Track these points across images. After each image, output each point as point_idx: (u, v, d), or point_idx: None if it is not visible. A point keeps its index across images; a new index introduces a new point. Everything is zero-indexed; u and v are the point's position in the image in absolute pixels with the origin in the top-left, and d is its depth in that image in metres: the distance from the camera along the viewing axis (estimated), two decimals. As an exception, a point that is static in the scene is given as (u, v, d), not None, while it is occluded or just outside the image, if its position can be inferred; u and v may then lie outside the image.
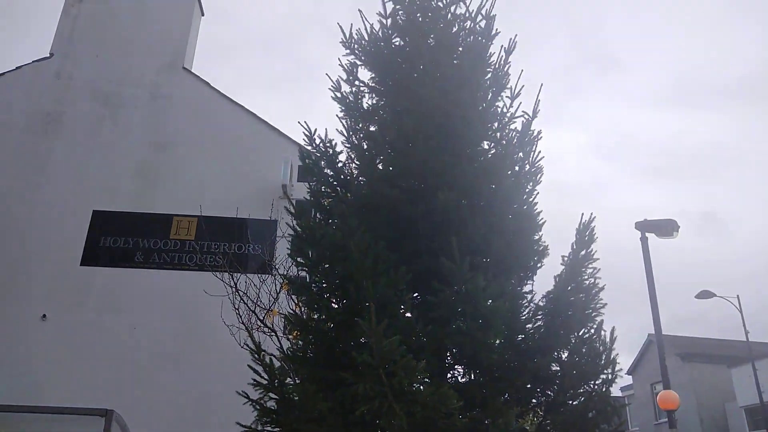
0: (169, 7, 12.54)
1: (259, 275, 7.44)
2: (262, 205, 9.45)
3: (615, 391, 4.73)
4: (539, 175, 5.50)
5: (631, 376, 41.00)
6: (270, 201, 9.01)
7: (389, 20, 6.11)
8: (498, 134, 5.72)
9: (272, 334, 6.47)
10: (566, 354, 4.77)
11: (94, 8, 12.32)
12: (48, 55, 11.77)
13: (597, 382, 4.54)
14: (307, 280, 5.30)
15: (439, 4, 6.24)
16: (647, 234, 12.71)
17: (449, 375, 4.85)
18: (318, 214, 5.63)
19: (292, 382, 4.65)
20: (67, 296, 9.70)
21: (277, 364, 4.76)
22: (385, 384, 3.87)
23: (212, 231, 9.84)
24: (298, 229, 5.07)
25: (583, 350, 4.59)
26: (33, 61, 11.66)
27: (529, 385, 4.72)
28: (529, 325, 4.84)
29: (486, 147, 5.73)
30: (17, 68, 11.60)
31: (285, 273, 6.17)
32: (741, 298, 27.08)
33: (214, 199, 10.07)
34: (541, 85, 5.64)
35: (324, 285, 5.04)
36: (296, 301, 5.64)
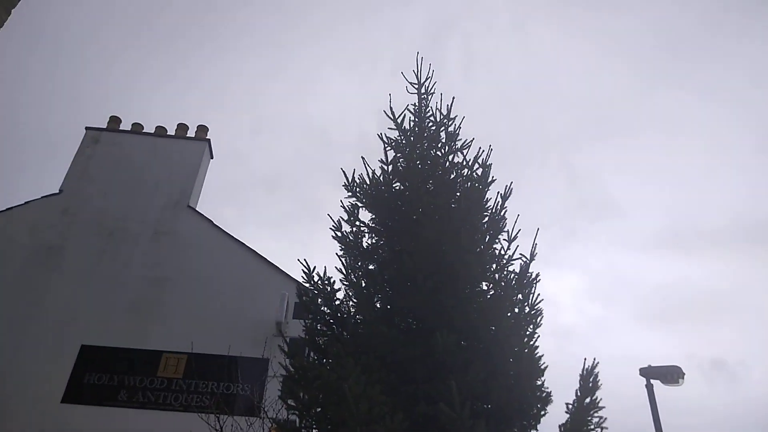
0: (181, 150, 13.18)
1: (247, 418, 7.09)
2: (255, 342, 9.26)
3: None
4: (539, 318, 5.45)
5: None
6: (263, 339, 8.83)
7: (390, 167, 6.42)
8: (496, 275, 5.76)
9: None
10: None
11: (108, 150, 12.95)
12: (57, 191, 12.15)
13: None
14: (297, 424, 5.05)
15: (438, 153, 6.60)
16: (652, 381, 12.34)
17: None
18: (312, 353, 5.50)
19: None
20: (45, 434, 9.15)
21: None
22: None
23: (201, 369, 9.54)
24: (291, 369, 4.93)
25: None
26: (42, 197, 12.00)
27: None
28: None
29: (485, 288, 5.75)
30: (26, 203, 11.92)
31: (274, 416, 5.89)
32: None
33: (207, 336, 9.87)
34: (538, 229, 5.82)
35: (315, 430, 4.79)
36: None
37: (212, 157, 14.04)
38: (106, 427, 9.36)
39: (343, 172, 6.39)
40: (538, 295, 5.56)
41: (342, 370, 4.43)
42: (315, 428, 4.76)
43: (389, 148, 6.58)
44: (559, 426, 4.65)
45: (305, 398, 4.78)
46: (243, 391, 9.31)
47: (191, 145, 13.37)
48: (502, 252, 5.88)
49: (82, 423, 9.36)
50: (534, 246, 5.76)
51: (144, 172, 12.68)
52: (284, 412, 5.47)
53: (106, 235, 11.68)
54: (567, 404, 4.71)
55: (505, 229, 5.95)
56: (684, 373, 12.07)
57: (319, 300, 5.78)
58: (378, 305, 5.68)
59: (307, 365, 5.04)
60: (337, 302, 5.84)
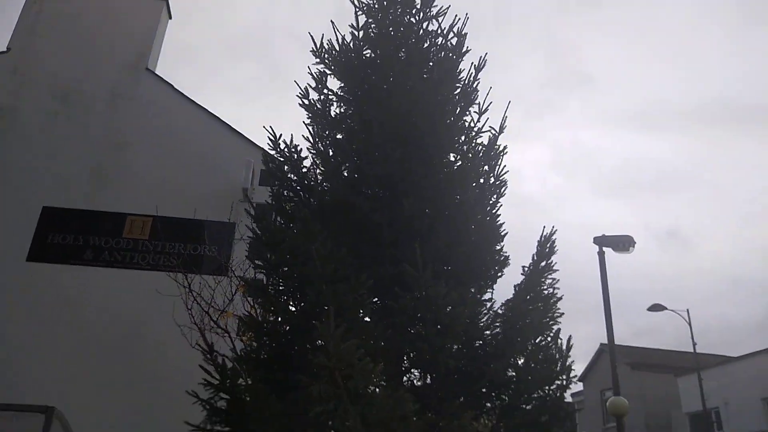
0: (136, 7, 12.26)
1: (215, 277, 7.32)
2: (220, 207, 9.30)
3: (566, 397, 4.85)
4: (503, 188, 5.62)
5: (582, 383, 42.02)
6: (229, 204, 8.87)
7: (361, 32, 6.16)
8: (464, 147, 5.83)
9: (225, 335, 6.38)
10: (522, 360, 4.87)
11: (57, 6, 11.95)
12: (5, 49, 11.36)
13: (551, 388, 4.64)
14: (265, 282, 5.26)
15: (412, 20, 6.32)
16: (604, 248, 13.13)
17: (406, 378, 4.89)
18: (279, 218, 5.60)
19: (244, 383, 4.60)
20: (12, 292, 9.34)
21: (229, 364, 4.71)
22: (341, 386, 3.88)
23: (168, 231, 9.61)
24: (258, 232, 5.03)
25: (540, 357, 4.69)
26: (-12, 55, 11.23)
27: (484, 390, 4.80)
28: (487, 332, 4.93)
29: (452, 159, 5.82)
30: (-30, 61, 11.14)
31: (242, 275, 6.11)
32: (693, 312, 27.95)
33: (172, 200, 9.85)
34: (509, 102, 5.83)
35: (281, 288, 5.02)
36: (252, 304, 5.59)
37: (171, 17, 13.16)
38: (72, 284, 9.57)
39: (311, 37, 6.12)
40: (504, 166, 5.70)
41: (309, 234, 4.56)
42: (282, 286, 4.98)
43: (361, 12, 6.26)
44: (515, 286, 4.98)
45: (272, 259, 4.95)
46: (210, 253, 9.52)
47: (148, 3, 12.44)
48: (472, 124, 5.90)
49: (49, 281, 9.53)
50: (504, 119, 5.79)
51: (97, 31, 11.82)
52: (252, 272, 5.67)
53: (61, 97, 11.12)
54: (523, 267, 5.02)
55: (477, 101, 5.92)
56: (635, 242, 12.83)
57: (286, 167, 5.78)
58: (345, 174, 5.73)
59: (274, 229, 5.16)
60: (304, 170, 5.85)
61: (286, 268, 4.99)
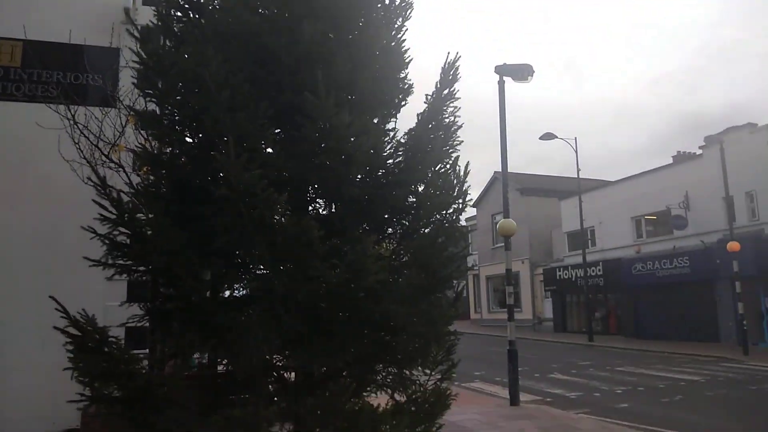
0: None
1: (101, 108, 6.77)
2: (99, 31, 8.32)
3: (461, 220, 5.16)
4: (409, 11, 5.34)
5: (476, 209, 45.32)
6: (109, 26, 7.94)
7: None
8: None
9: (119, 169, 6.08)
10: (423, 187, 5.03)
11: None
12: None
13: (448, 212, 4.90)
14: (157, 112, 4.93)
15: None
16: (504, 77, 13.32)
17: (311, 208, 4.96)
18: (167, 41, 5.10)
19: (144, 218, 4.49)
20: None
21: (125, 198, 4.54)
22: (246, 217, 3.88)
23: (42, 58, 8.59)
24: (144, 56, 4.59)
25: (439, 183, 4.87)
26: None
27: (386, 216, 5.00)
28: (390, 161, 4.99)
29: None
30: None
31: (131, 105, 5.68)
32: (581, 140, 29.94)
33: (42, 22, 8.67)
34: None
35: (176, 118, 4.73)
36: (145, 135, 5.29)
37: None
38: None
39: None
40: (410, -14, 5.36)
41: (201, 58, 4.21)
42: (176, 116, 4.68)
43: None
44: (417, 114, 4.98)
45: (163, 86, 4.59)
46: (94, 81, 8.70)
47: None
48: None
49: None
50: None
51: None
52: (142, 102, 5.28)
53: None
54: (427, 95, 4.99)
55: None
56: (534, 71, 13.07)
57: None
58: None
59: (162, 53, 4.71)
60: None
61: (179, 97, 4.65)
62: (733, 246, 20.93)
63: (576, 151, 30.01)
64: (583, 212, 30.28)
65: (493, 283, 43.42)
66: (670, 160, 30.33)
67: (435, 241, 4.84)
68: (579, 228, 30.64)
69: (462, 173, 4.90)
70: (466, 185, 4.88)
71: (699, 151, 26.82)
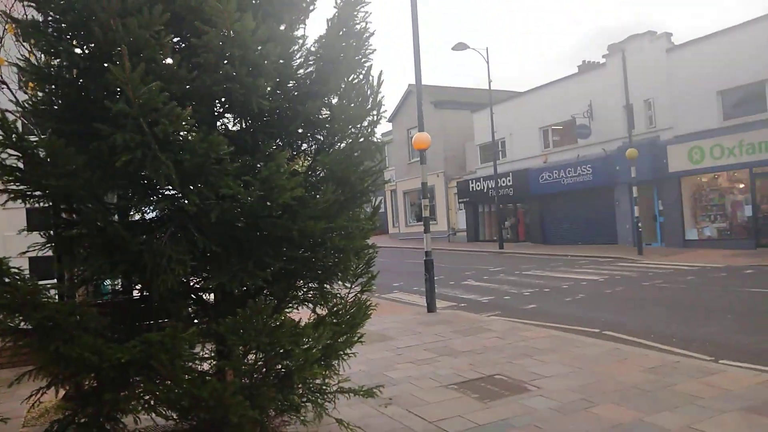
0: None
1: (-28, 16, 5.99)
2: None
3: (376, 133, 5.09)
4: None
5: (391, 123, 45.31)
6: None
7: None
8: None
9: (2, 86, 5.50)
10: (336, 99, 4.89)
11: None
12: None
13: (363, 125, 4.81)
14: (40, 20, 4.41)
15: None
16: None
17: (219, 123, 4.72)
18: None
19: (36, 138, 4.11)
20: None
21: (11, 117, 4.12)
22: (147, 133, 3.63)
23: None
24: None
25: (353, 94, 4.73)
26: None
27: (300, 131, 4.85)
28: (301, 71, 4.78)
29: None
30: None
31: (6, 11, 5.05)
32: (491, 50, 30.08)
33: None
34: None
35: (62, 26, 4.25)
36: (29, 48, 4.76)
37: None
38: None
39: None
40: None
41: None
42: (62, 23, 4.21)
43: None
44: (327, 20, 4.74)
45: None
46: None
47: None
48: None
49: None
50: None
51: None
52: (19, 7, 4.73)
53: None
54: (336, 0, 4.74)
55: None
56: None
57: None
58: None
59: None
60: None
61: (61, 1, 4.17)
62: (632, 153, 22.27)
63: (487, 62, 30.22)
64: (495, 124, 30.97)
65: (410, 198, 44.35)
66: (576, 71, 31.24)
67: (351, 155, 4.76)
68: (491, 140, 31.43)
69: (376, 83, 4.78)
70: (380, 96, 4.78)
71: (603, 60, 27.71)
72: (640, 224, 22.86)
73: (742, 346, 8.11)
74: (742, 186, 22.35)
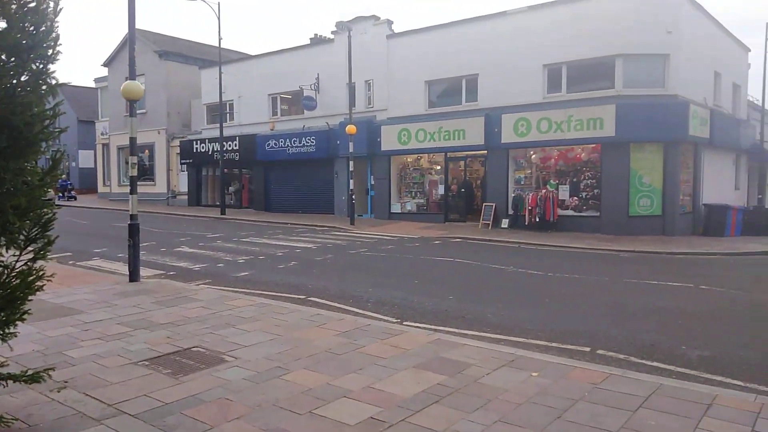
0: None
1: None
2: None
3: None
4: None
5: (107, 69, 40.49)
6: None
7: None
8: None
9: None
10: (5, 24, 3.95)
11: None
12: None
13: (31, 56, 3.95)
14: None
15: None
16: None
17: None
18: None
19: None
20: None
21: None
22: None
23: None
24: None
25: (17, 16, 3.84)
26: None
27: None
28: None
29: None
30: None
31: None
32: (226, 7, 28.85)
33: None
34: None
35: None
36: None
37: None
38: None
39: None
40: None
41: None
42: None
43: None
44: None
45: None
46: None
47: None
48: None
49: None
50: None
51: None
52: None
53: None
54: None
55: None
56: None
57: None
58: None
59: None
60: None
61: None
62: (351, 129, 23.65)
63: (218, 17, 28.83)
64: (224, 85, 29.89)
65: (125, 154, 40.40)
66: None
67: (14, 95, 3.89)
68: (218, 101, 30.27)
69: (53, 9, 3.96)
70: (56, 26, 3.97)
71: (332, 36, 28.72)
72: (354, 196, 24.54)
73: (424, 308, 9.19)
74: (438, 167, 25.59)
